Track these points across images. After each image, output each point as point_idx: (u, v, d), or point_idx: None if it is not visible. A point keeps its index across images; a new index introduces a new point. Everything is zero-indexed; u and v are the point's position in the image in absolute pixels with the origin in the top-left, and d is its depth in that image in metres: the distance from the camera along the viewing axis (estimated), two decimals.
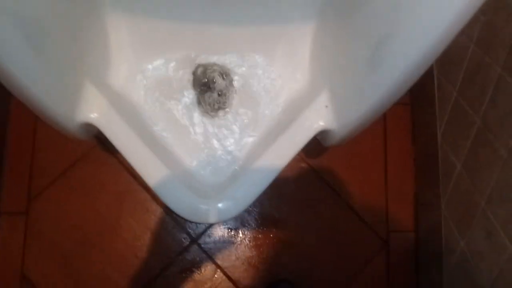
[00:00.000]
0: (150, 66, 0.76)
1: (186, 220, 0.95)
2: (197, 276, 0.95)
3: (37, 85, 0.50)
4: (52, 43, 0.54)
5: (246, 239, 0.96)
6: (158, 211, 0.96)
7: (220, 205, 0.64)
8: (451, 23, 0.42)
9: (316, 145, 0.71)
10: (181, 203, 0.63)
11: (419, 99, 1.03)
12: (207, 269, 0.95)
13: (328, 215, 0.99)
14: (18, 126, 0.97)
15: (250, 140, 0.75)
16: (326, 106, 0.68)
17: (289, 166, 0.97)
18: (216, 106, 0.76)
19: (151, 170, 0.61)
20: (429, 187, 0.96)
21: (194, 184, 0.68)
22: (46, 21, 0.53)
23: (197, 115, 0.75)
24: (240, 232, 0.96)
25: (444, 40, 0.44)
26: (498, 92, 0.70)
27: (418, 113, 1.04)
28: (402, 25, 0.48)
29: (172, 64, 0.76)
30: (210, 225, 0.95)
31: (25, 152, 0.96)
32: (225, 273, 0.95)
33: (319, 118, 0.67)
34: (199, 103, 0.76)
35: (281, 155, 0.66)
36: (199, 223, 0.95)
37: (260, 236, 0.97)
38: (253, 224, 0.97)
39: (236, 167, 0.72)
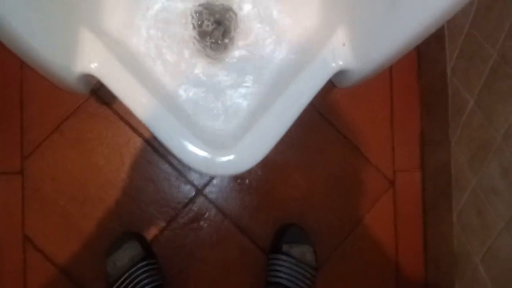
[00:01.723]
0: (146, 7, 0.69)
1: (190, 170, 0.91)
2: (204, 227, 0.93)
3: (32, 33, 0.44)
4: None
5: (252, 186, 0.93)
6: (160, 162, 0.92)
7: (236, 156, 0.60)
8: None
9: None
10: (195, 156, 0.58)
11: None
12: (215, 219, 0.93)
13: (334, 158, 0.97)
14: (2, 79, 0.90)
15: (261, 84, 0.69)
16: (344, 44, 0.62)
17: None
18: (221, 48, 0.70)
19: (163, 125, 0.56)
20: (437, 124, 0.94)
21: (206, 136, 0.63)
22: None
23: (201, 59, 0.69)
24: (245, 180, 0.93)
25: None
26: None
27: (425, 47, 0.99)
28: None
29: (171, 3, 0.69)
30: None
31: (13, 106, 0.89)
32: (233, 222, 0.93)
33: (337, 57, 0.62)
34: (202, 44, 0.69)
35: (298, 98, 0.61)
36: (207, 175, 0.91)
37: (266, 183, 0.94)
38: (258, 171, 0.94)
39: (249, 114, 0.67)
